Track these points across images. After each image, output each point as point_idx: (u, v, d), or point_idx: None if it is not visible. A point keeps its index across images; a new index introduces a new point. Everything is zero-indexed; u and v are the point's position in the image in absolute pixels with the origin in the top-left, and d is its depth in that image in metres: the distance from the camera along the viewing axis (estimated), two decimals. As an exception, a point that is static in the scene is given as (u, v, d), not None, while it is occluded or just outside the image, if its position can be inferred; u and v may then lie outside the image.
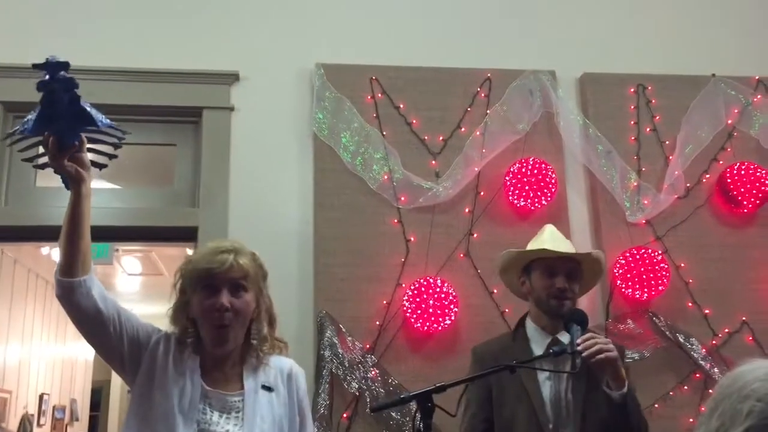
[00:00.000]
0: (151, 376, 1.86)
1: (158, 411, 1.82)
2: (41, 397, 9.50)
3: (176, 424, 1.79)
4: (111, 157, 1.94)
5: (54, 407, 10.15)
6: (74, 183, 1.79)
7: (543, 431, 2.21)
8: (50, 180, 3.83)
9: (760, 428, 0.81)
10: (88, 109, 1.77)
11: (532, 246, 2.48)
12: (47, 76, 1.68)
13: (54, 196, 3.63)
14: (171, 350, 1.90)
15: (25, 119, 1.80)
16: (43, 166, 1.82)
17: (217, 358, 1.91)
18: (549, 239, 2.44)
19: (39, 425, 9.38)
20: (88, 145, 1.84)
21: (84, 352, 11.67)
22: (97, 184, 3.95)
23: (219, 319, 1.86)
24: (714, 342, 3.42)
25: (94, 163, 1.90)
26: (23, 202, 3.53)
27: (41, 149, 1.79)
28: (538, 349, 2.27)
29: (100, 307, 1.82)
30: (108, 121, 1.85)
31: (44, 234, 3.53)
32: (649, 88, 3.75)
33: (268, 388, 1.93)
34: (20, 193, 3.55)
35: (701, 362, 3.34)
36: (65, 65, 1.67)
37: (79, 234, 1.78)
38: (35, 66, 1.68)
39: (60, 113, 1.71)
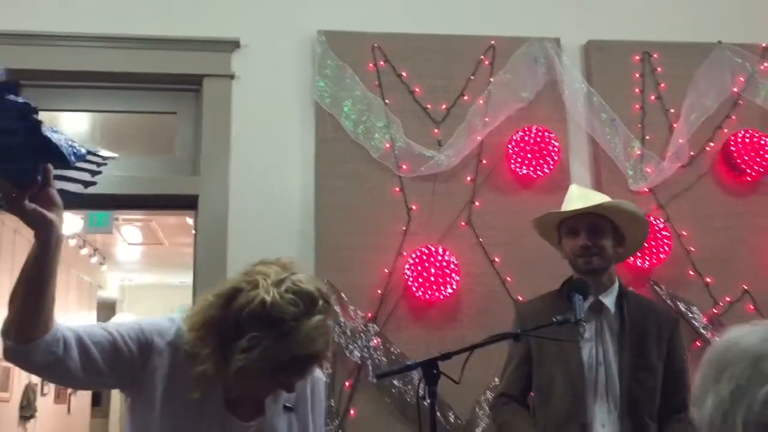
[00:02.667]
0: (156, 399, 1.55)
1: None
2: (44, 365, 9.57)
3: None
4: (88, 185, 1.48)
5: (57, 376, 10.21)
6: (40, 229, 1.37)
7: (580, 394, 2.19)
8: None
9: None
10: (54, 139, 1.34)
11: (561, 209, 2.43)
12: None
13: (54, 164, 3.61)
14: (184, 365, 1.54)
15: None
16: None
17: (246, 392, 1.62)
18: (574, 198, 2.39)
19: (42, 394, 9.46)
20: (57, 174, 1.40)
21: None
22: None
23: (285, 392, 1.62)
24: (715, 311, 3.42)
25: (67, 193, 1.44)
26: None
27: None
28: (580, 309, 2.21)
29: (65, 361, 1.44)
30: (82, 150, 1.42)
31: (45, 203, 3.51)
32: (655, 55, 3.71)
33: (289, 409, 1.68)
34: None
35: (702, 331, 3.35)
36: (12, 85, 1.27)
37: (45, 293, 1.39)
38: None
39: (13, 149, 1.28)
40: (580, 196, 2.40)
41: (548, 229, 2.44)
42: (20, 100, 1.27)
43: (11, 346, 1.40)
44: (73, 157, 1.37)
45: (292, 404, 1.67)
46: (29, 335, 1.39)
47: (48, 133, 1.33)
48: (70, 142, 1.38)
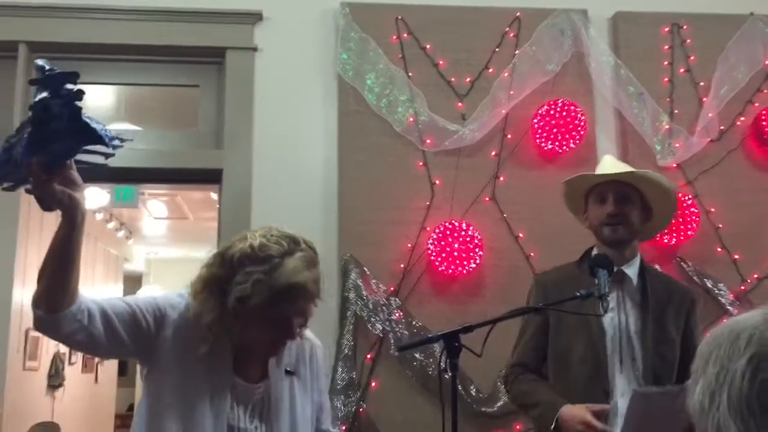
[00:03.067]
0: (172, 367, 1.66)
1: (185, 410, 1.64)
2: (72, 336, 9.74)
3: (206, 425, 1.64)
4: (108, 156, 1.54)
5: (85, 346, 10.39)
6: (67, 208, 1.46)
7: (602, 361, 2.17)
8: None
9: (764, 354, 0.81)
10: (92, 123, 1.44)
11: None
12: (46, 93, 1.36)
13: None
14: (195, 336, 1.65)
15: (5, 143, 1.46)
16: (12, 188, 1.49)
17: (251, 351, 1.73)
18: (606, 166, 2.36)
19: (70, 364, 9.63)
20: (77, 157, 1.48)
21: (113, 293, 11.90)
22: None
23: (284, 343, 1.73)
24: (743, 288, 3.37)
25: (89, 164, 1.53)
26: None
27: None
28: (604, 284, 2.19)
29: (90, 332, 1.56)
30: (111, 133, 1.51)
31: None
32: (685, 27, 3.63)
33: (290, 373, 1.79)
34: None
35: (729, 307, 3.31)
36: (72, 76, 1.38)
37: (72, 267, 1.50)
38: (32, 82, 1.39)
39: (57, 133, 1.39)
40: (613, 165, 2.38)
41: (577, 194, 2.39)
42: (75, 88, 1.38)
43: (41, 316, 1.51)
44: (107, 139, 1.47)
45: (292, 368, 1.79)
46: (57, 306, 1.50)
47: (87, 119, 1.43)
48: (101, 126, 1.48)
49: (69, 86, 1.37)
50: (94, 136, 1.44)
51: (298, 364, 1.82)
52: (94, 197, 7.10)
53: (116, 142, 1.51)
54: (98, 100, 4.10)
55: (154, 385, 1.68)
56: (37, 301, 1.52)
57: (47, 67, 1.38)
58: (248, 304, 1.60)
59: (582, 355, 2.20)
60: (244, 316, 1.63)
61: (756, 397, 0.79)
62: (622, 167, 2.39)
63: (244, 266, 1.62)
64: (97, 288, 11.16)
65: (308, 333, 1.85)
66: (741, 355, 0.82)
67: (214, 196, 4.80)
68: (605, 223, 2.26)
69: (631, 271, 2.27)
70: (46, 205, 1.46)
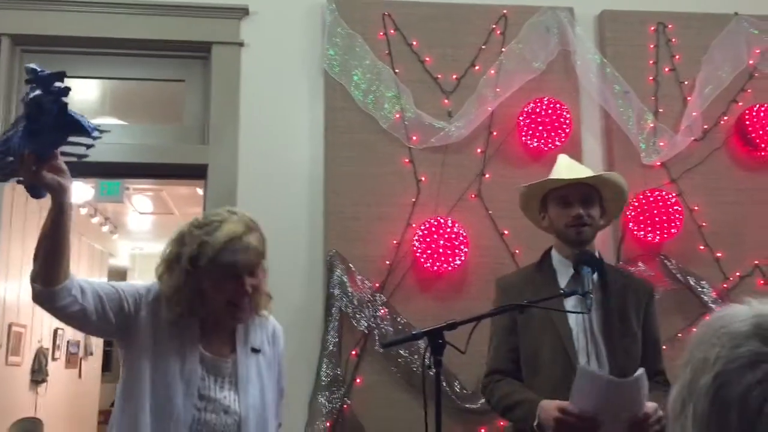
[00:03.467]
0: (146, 344, 1.85)
1: (158, 379, 1.83)
2: (55, 331, 9.67)
3: (177, 391, 1.82)
4: (89, 147, 1.71)
5: (68, 342, 10.34)
6: (57, 194, 1.66)
7: (570, 361, 2.19)
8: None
9: (726, 373, 0.79)
10: (77, 117, 1.62)
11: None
12: (38, 91, 1.54)
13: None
14: (165, 315, 1.87)
15: (4, 136, 1.65)
16: (5, 178, 1.68)
17: (216, 324, 1.93)
18: (562, 168, 2.38)
19: (53, 359, 9.57)
20: (62, 148, 1.67)
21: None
22: (104, 120, 3.92)
23: (240, 304, 1.88)
24: (725, 285, 3.40)
25: (72, 155, 1.70)
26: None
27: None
28: (563, 280, 2.22)
29: (83, 306, 1.77)
30: (92, 124, 1.68)
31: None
32: (670, 26, 3.65)
33: (256, 350, 1.97)
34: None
35: (711, 305, 3.33)
36: (60, 75, 1.55)
37: (64, 246, 1.70)
38: (27, 81, 1.56)
39: (47, 125, 1.57)
40: (568, 167, 2.40)
41: (533, 198, 2.42)
42: (63, 85, 1.56)
43: (39, 290, 1.74)
44: (90, 130, 1.65)
45: (258, 347, 1.98)
46: (52, 281, 1.71)
47: (73, 113, 1.60)
48: (84, 119, 1.64)
49: (57, 84, 1.54)
50: (78, 128, 1.61)
51: (263, 343, 2.01)
52: (79, 192, 7.04)
53: (96, 133, 1.68)
54: (83, 93, 4.06)
55: (129, 364, 1.87)
56: (35, 277, 1.74)
57: (38, 69, 1.55)
58: (199, 265, 1.83)
59: (551, 355, 2.22)
60: (199, 280, 1.84)
61: (716, 417, 0.78)
62: (581, 168, 2.43)
63: (192, 234, 1.86)
64: (81, 283, 11.03)
65: (271, 318, 2.06)
66: (710, 369, 0.80)
67: (200, 191, 4.78)
68: (571, 225, 2.27)
69: (588, 271, 2.30)
70: (37, 192, 1.65)
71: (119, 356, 1.91)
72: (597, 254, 2.34)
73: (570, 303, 2.20)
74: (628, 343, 2.23)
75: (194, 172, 3.55)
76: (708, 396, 0.79)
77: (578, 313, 2.15)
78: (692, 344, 0.86)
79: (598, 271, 2.24)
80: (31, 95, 1.54)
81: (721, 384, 0.79)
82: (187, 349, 1.87)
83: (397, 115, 3.42)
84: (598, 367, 2.20)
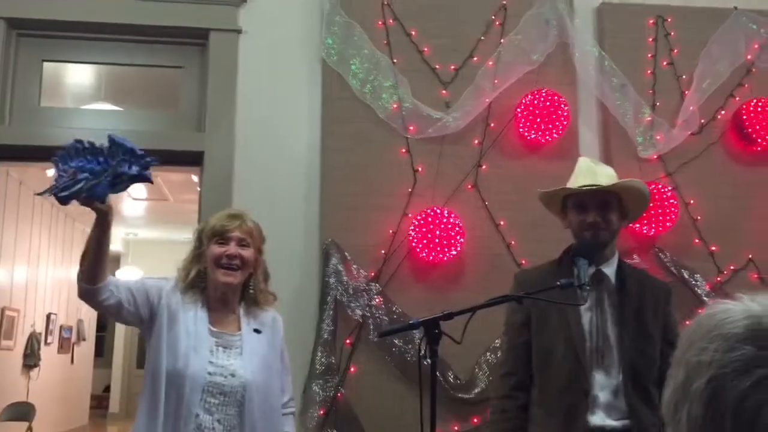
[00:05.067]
0: (164, 323, 2.19)
1: (173, 350, 2.15)
2: (48, 316, 9.66)
3: (189, 358, 2.14)
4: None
5: (61, 327, 10.33)
6: (102, 216, 2.03)
7: (580, 362, 2.19)
8: (55, 100, 3.79)
9: (720, 377, 0.76)
10: (148, 176, 2.04)
11: (569, 182, 2.40)
12: (134, 168, 2.00)
13: (58, 115, 3.59)
14: (181, 298, 2.24)
15: (81, 184, 1.96)
16: (64, 201, 1.98)
17: (220, 306, 2.27)
18: (581, 173, 2.36)
19: (47, 343, 9.56)
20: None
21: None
22: (101, 105, 3.91)
23: (228, 264, 2.23)
24: (719, 279, 3.42)
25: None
26: (27, 122, 3.49)
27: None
28: (584, 273, 2.20)
29: (118, 298, 2.15)
30: (150, 173, 2.06)
31: (49, 154, 3.49)
32: (669, 20, 3.65)
33: (258, 331, 2.28)
34: (24, 112, 3.51)
35: (705, 298, 3.35)
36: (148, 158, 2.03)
37: (105, 253, 2.09)
38: (124, 156, 2.01)
39: (125, 180, 2.00)
40: (588, 170, 2.37)
41: (552, 200, 2.41)
42: (150, 159, 2.03)
43: (84, 287, 2.12)
44: (150, 179, 2.06)
45: (259, 329, 2.29)
46: (96, 280, 2.10)
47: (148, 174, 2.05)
48: (149, 172, 2.05)
49: (148, 158, 2.01)
50: (146, 179, 2.04)
51: (264, 326, 2.31)
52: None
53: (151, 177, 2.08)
54: (78, 79, 4.04)
55: (152, 343, 2.20)
56: (81, 276, 2.11)
57: (137, 149, 2.01)
58: (202, 240, 2.29)
59: (563, 355, 2.22)
60: (202, 254, 2.27)
61: (710, 422, 0.76)
62: (600, 172, 2.37)
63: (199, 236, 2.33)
64: (74, 269, 11.00)
65: (272, 310, 2.37)
66: (704, 372, 0.78)
67: (195, 177, 4.77)
68: (586, 230, 2.27)
69: (610, 270, 2.30)
70: (65, 203, 1.98)
71: (145, 344, 2.25)
72: (617, 256, 2.33)
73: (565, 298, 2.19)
74: (643, 344, 2.22)
75: (190, 159, 3.53)
76: (702, 400, 0.77)
77: (574, 305, 2.15)
78: (684, 344, 0.84)
79: (618, 274, 2.23)
80: (131, 172, 1.98)
81: (714, 389, 0.77)
82: (198, 326, 2.20)
83: (395, 105, 3.41)
84: (607, 367, 2.20)
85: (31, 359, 8.83)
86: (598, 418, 2.17)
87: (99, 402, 13.43)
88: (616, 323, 2.23)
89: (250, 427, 2.15)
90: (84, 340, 11.54)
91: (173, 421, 2.10)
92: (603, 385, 2.19)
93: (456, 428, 3.19)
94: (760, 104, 3.55)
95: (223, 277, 2.22)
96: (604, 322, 2.23)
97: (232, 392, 2.15)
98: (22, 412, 7.35)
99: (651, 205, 3.31)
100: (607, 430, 2.17)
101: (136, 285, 2.23)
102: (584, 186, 2.29)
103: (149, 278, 2.33)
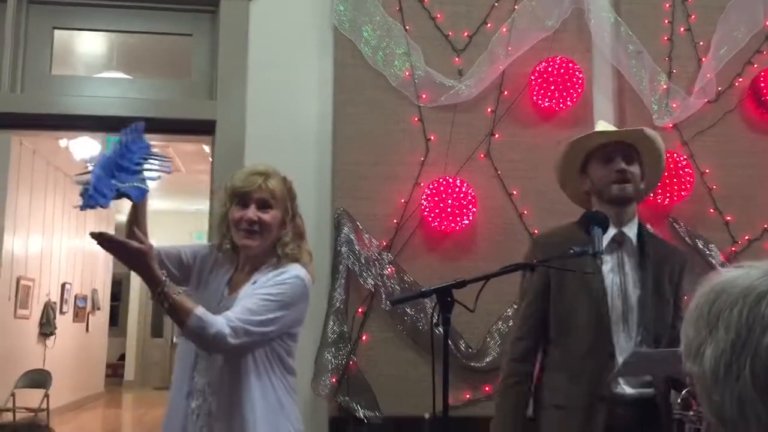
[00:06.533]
0: (195, 284, 2.20)
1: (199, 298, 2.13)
2: (63, 286, 9.76)
3: (211, 307, 2.10)
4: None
5: (76, 296, 10.44)
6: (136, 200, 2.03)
7: (606, 324, 2.17)
8: (66, 68, 3.78)
9: None
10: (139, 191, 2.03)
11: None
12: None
13: (70, 84, 3.58)
14: (213, 262, 2.22)
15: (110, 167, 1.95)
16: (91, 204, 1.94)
17: (248, 268, 2.16)
18: (603, 128, 2.35)
19: (62, 312, 9.68)
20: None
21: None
22: (111, 74, 3.89)
23: (247, 229, 2.11)
24: (733, 249, 3.39)
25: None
26: (39, 90, 3.48)
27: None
28: (599, 241, 2.17)
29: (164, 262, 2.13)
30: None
31: (60, 123, 3.51)
32: (687, -15, 3.58)
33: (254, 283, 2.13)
34: (36, 80, 3.50)
35: (718, 268, 3.32)
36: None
37: (140, 223, 2.04)
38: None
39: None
40: (609, 128, 2.37)
41: (575, 157, 2.36)
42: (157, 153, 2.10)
43: None
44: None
45: (256, 281, 2.16)
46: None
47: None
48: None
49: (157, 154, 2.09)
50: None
51: (264, 279, 2.17)
52: (86, 147, 7.04)
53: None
54: (90, 47, 4.02)
55: None
56: None
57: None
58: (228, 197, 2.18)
59: (586, 318, 2.20)
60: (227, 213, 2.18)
61: None
62: (620, 131, 2.39)
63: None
64: (88, 239, 11.07)
65: (299, 269, 2.14)
66: (767, 326, 0.77)
67: (207, 148, 4.76)
68: (614, 181, 2.23)
69: (632, 232, 2.27)
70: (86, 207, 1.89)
71: None
72: (637, 219, 2.30)
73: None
74: (661, 309, 2.21)
75: (202, 128, 3.52)
76: None
77: (587, 273, 2.13)
78: (712, 303, 0.83)
79: (638, 237, 2.22)
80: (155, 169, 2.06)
81: None
82: (217, 292, 2.17)
83: (407, 73, 3.38)
84: (629, 329, 2.20)
85: (47, 328, 8.94)
86: (617, 386, 2.16)
87: (114, 370, 13.61)
88: (637, 286, 2.21)
89: (230, 388, 2.04)
90: (99, 309, 11.66)
91: (179, 385, 2.12)
92: (623, 348, 2.18)
93: (468, 396, 3.20)
94: (778, 71, 3.49)
95: (242, 239, 2.11)
96: (626, 284, 2.22)
97: (210, 356, 2.07)
98: (39, 379, 7.47)
99: (665, 173, 3.29)
100: (627, 399, 2.16)
101: (169, 251, 2.19)
102: (612, 131, 2.27)
103: (188, 244, 2.30)
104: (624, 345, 2.17)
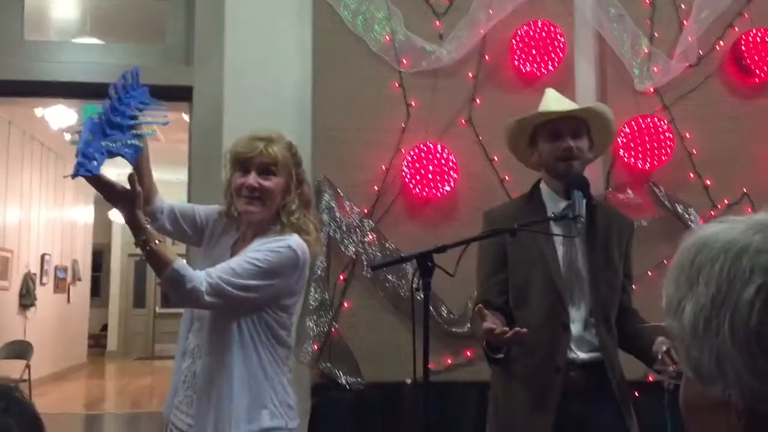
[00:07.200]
0: (204, 246, 2.25)
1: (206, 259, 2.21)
2: (42, 257, 9.69)
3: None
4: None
5: (56, 267, 10.37)
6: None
7: (559, 294, 2.20)
8: (40, 35, 3.69)
9: None
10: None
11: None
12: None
13: (44, 50, 3.50)
14: (222, 227, 2.23)
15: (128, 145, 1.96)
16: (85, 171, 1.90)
17: (251, 235, 2.15)
18: (551, 102, 2.35)
19: (42, 284, 9.61)
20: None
21: (84, 215, 11.79)
22: (85, 39, 3.81)
23: (247, 196, 2.08)
24: (712, 213, 3.41)
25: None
26: (12, 56, 3.40)
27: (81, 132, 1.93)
28: (580, 205, 2.19)
29: (159, 220, 2.17)
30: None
31: (34, 89, 3.43)
32: (669, -54, 3.54)
33: None
34: (8, 46, 3.42)
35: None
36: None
37: (144, 182, 2.02)
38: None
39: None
40: (557, 100, 2.37)
41: (522, 132, 2.38)
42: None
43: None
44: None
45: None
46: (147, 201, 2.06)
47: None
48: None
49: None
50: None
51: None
52: (62, 116, 6.90)
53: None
54: (62, 13, 3.93)
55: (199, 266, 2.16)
56: None
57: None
58: (231, 179, 2.15)
59: (540, 290, 2.22)
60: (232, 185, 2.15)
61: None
62: (568, 102, 2.39)
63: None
64: (67, 210, 11.01)
65: (297, 239, 2.09)
66: (747, 281, 0.75)
67: (186, 117, 4.69)
68: (560, 158, 2.25)
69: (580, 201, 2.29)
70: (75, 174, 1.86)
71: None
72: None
73: (557, 231, 2.21)
74: (610, 276, 2.26)
75: (179, 94, 3.45)
76: (754, 310, 0.74)
77: (569, 237, 2.14)
78: (693, 259, 0.82)
79: (587, 200, 2.22)
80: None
81: None
82: (225, 255, 2.14)
83: (387, 38, 3.33)
84: (579, 299, 2.22)
85: (27, 299, 8.89)
86: (570, 352, 2.19)
87: (97, 341, 13.60)
88: (585, 256, 2.23)
89: (215, 352, 2.05)
90: (79, 280, 11.60)
91: (179, 345, 2.21)
92: (574, 318, 2.22)
93: (449, 361, 3.22)
94: (759, 35, 3.48)
95: (243, 206, 2.10)
96: (575, 255, 2.24)
97: (202, 318, 2.11)
98: (20, 350, 7.43)
99: (613, 137, 3.29)
100: (578, 363, 2.19)
101: (184, 209, 2.24)
102: (558, 110, 2.27)
103: (203, 206, 2.30)
104: (573, 315, 2.21)
